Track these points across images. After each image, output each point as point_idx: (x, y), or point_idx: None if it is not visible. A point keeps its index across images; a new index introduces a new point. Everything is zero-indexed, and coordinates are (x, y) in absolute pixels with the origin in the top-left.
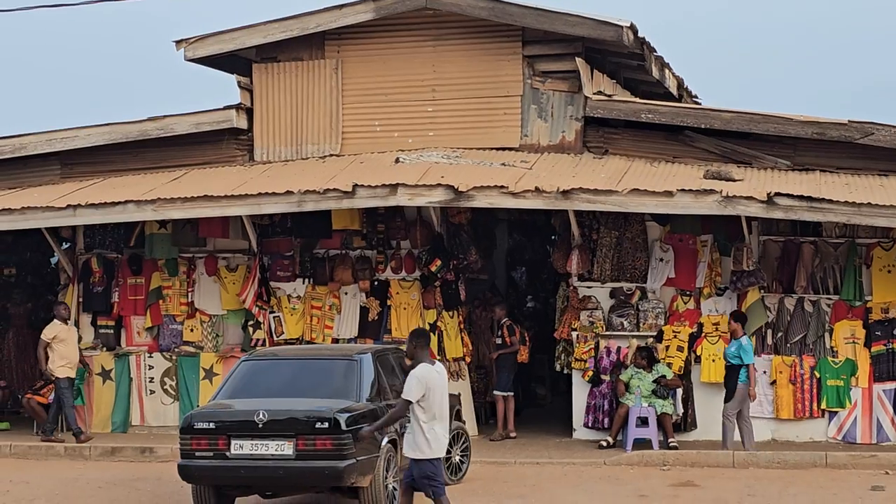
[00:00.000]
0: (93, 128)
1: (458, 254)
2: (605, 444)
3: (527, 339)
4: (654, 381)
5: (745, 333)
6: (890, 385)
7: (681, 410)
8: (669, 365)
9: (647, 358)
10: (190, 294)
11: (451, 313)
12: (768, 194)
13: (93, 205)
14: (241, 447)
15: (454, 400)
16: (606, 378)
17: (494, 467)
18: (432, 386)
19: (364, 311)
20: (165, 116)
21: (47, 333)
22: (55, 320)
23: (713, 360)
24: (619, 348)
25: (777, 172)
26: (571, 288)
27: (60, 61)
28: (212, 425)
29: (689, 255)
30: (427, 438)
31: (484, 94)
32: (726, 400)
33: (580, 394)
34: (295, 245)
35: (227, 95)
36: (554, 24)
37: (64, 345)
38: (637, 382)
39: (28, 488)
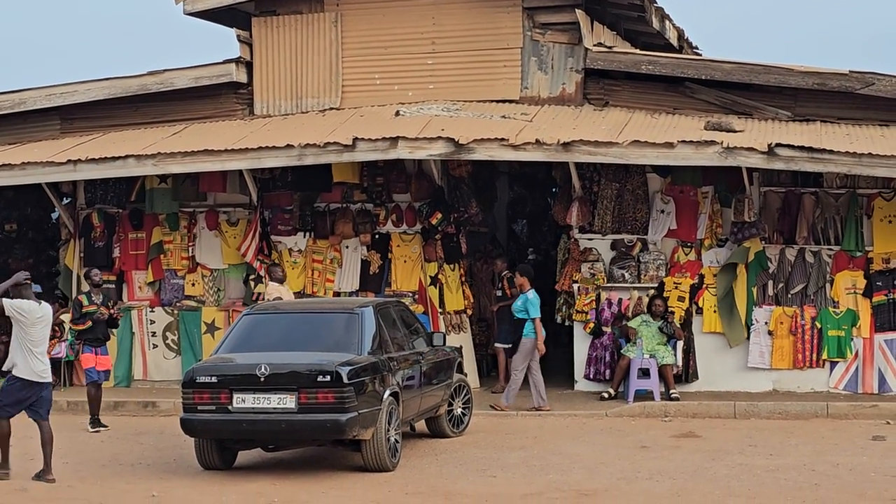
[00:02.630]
0: (92, 82)
1: (458, 207)
2: (606, 395)
3: None
4: (663, 318)
5: (532, 287)
6: (891, 335)
7: (680, 361)
8: (672, 312)
9: (664, 305)
10: (191, 248)
11: (452, 266)
12: (769, 145)
13: (93, 160)
14: (244, 401)
15: (455, 352)
16: (608, 330)
17: (496, 419)
18: (36, 319)
19: (365, 264)
20: (165, 71)
21: (271, 294)
22: (271, 281)
23: (714, 311)
24: (620, 300)
25: (778, 123)
26: (572, 240)
27: (59, 16)
28: (214, 379)
29: (689, 206)
30: (24, 362)
31: (484, 47)
32: (511, 353)
33: (581, 346)
34: (295, 199)
35: (227, 50)
36: None
37: None
38: (644, 330)
39: (31, 443)
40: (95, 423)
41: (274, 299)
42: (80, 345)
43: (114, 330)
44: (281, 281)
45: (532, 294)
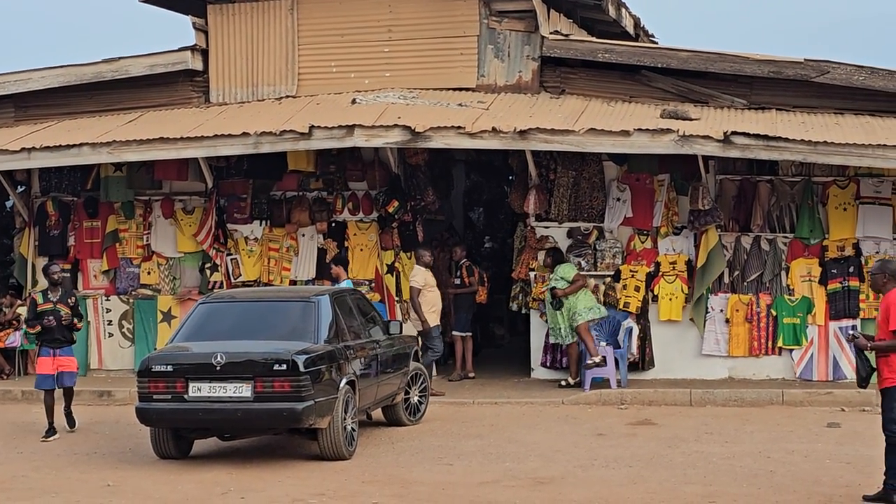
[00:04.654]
0: (47, 70)
1: (415, 195)
2: (564, 383)
3: (485, 279)
4: (550, 290)
5: (347, 277)
6: (846, 323)
7: (636, 349)
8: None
9: (553, 255)
10: (146, 237)
11: (408, 254)
12: (725, 133)
13: (47, 148)
14: (199, 390)
15: (412, 341)
16: None
17: (453, 407)
18: None
19: (322, 252)
20: (120, 58)
21: (418, 281)
22: (418, 266)
23: (670, 299)
24: None
25: (733, 111)
26: (529, 228)
27: (12, 3)
28: (169, 368)
29: (645, 194)
30: None
31: (440, 35)
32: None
33: (538, 334)
34: (250, 187)
35: (183, 37)
36: None
37: (430, 291)
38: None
39: None
40: (51, 431)
41: (423, 286)
42: (38, 346)
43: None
44: (427, 266)
45: (346, 284)
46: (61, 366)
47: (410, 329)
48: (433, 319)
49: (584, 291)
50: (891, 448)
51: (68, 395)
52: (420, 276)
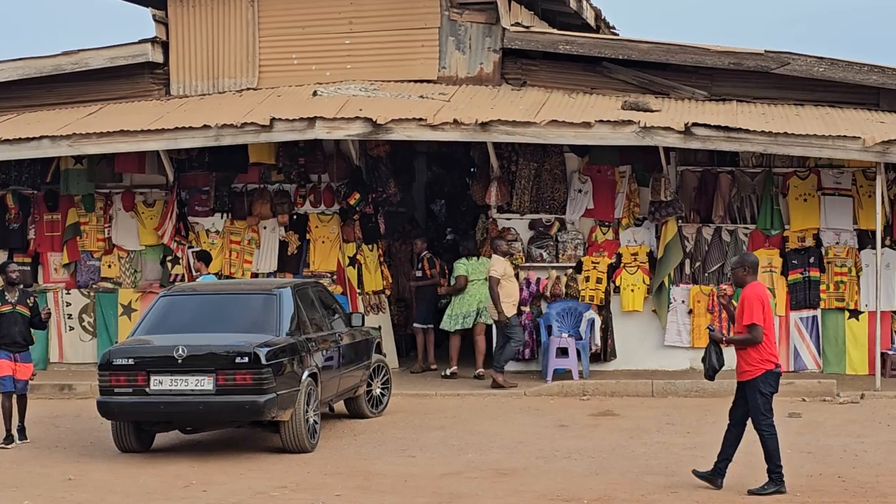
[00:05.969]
0: (5, 63)
1: (376, 187)
2: (446, 373)
3: (447, 271)
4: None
5: (208, 272)
6: (807, 313)
7: (598, 340)
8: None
9: (465, 246)
10: (107, 230)
11: (370, 246)
12: (686, 125)
13: (7, 141)
14: (161, 383)
15: (374, 333)
16: (526, 309)
17: (415, 399)
18: None
19: (283, 245)
20: (80, 51)
21: (497, 270)
22: (496, 256)
23: (632, 290)
24: (538, 279)
25: (694, 103)
26: (491, 220)
27: None
28: (131, 361)
29: (607, 185)
30: None
31: (402, 26)
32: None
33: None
34: (212, 179)
35: (143, 30)
36: None
37: (509, 282)
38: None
39: None
40: (9, 438)
41: (502, 275)
42: None
43: (37, 331)
44: (505, 254)
45: (204, 278)
46: (19, 372)
47: (378, 321)
48: (510, 310)
49: (460, 297)
50: (770, 439)
51: (21, 406)
52: (500, 266)
